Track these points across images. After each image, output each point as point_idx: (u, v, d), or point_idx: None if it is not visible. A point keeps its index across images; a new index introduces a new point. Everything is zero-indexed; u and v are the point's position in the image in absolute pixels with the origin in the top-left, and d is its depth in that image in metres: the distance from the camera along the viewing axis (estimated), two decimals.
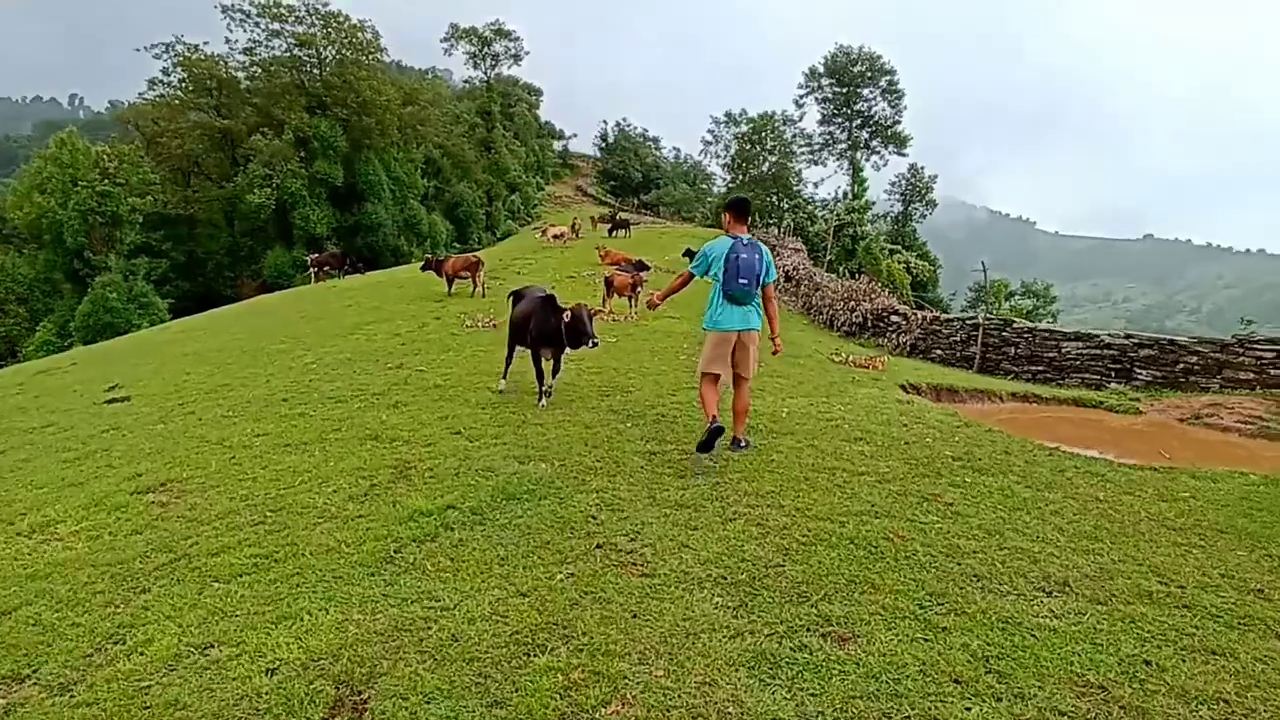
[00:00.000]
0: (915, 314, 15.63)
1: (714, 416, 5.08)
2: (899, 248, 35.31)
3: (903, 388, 9.02)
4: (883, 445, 5.50)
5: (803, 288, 21.84)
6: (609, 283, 14.88)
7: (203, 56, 44.20)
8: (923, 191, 43.12)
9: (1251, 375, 9.67)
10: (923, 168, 44.49)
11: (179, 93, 44.54)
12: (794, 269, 24.44)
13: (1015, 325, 13.14)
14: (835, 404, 7.20)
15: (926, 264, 35.42)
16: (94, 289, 31.32)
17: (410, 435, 5.85)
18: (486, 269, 17.91)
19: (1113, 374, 11.09)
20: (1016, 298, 49.92)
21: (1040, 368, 12.33)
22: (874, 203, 35.75)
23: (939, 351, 14.66)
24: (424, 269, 18.69)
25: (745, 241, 5.12)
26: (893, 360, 14.06)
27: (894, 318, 16.31)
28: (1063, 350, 12.04)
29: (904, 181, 43.72)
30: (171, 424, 6.91)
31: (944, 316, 14.85)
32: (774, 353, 5.68)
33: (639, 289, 14.87)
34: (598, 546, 3.68)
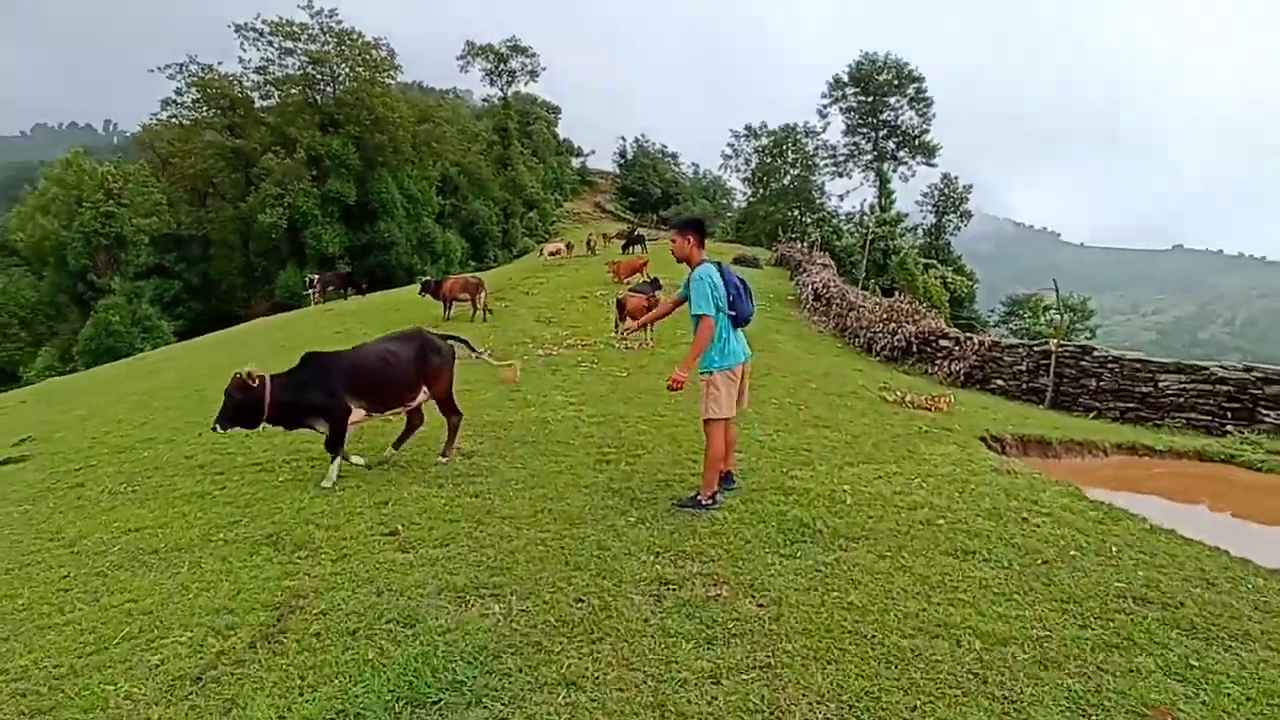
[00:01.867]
0: (969, 338, 13.74)
1: (728, 473, 4.96)
2: (934, 262, 33.26)
3: (984, 442, 7.18)
4: (1009, 565, 3.68)
5: (835, 307, 19.97)
6: (621, 305, 13.21)
7: (216, 76, 43.71)
8: (956, 202, 41.00)
9: None
10: (956, 177, 42.41)
11: (192, 113, 44.05)
12: (823, 286, 22.59)
13: (1096, 353, 11.21)
14: (911, 475, 5.40)
15: (964, 279, 33.31)
16: (97, 312, 30.45)
17: (325, 537, 4.17)
18: (489, 291, 16.31)
19: (1228, 415, 9.14)
20: (1051, 312, 47.58)
21: (1131, 405, 10.39)
22: (906, 214, 33.85)
23: (999, 382, 12.76)
24: (421, 292, 17.17)
25: (722, 265, 4.70)
26: (942, 390, 12.22)
27: (943, 342, 14.42)
28: (1159, 384, 10.10)
29: (936, 192, 41.68)
30: (42, 504, 5.32)
31: (1006, 342, 12.95)
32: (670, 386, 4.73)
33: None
34: None
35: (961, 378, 13.32)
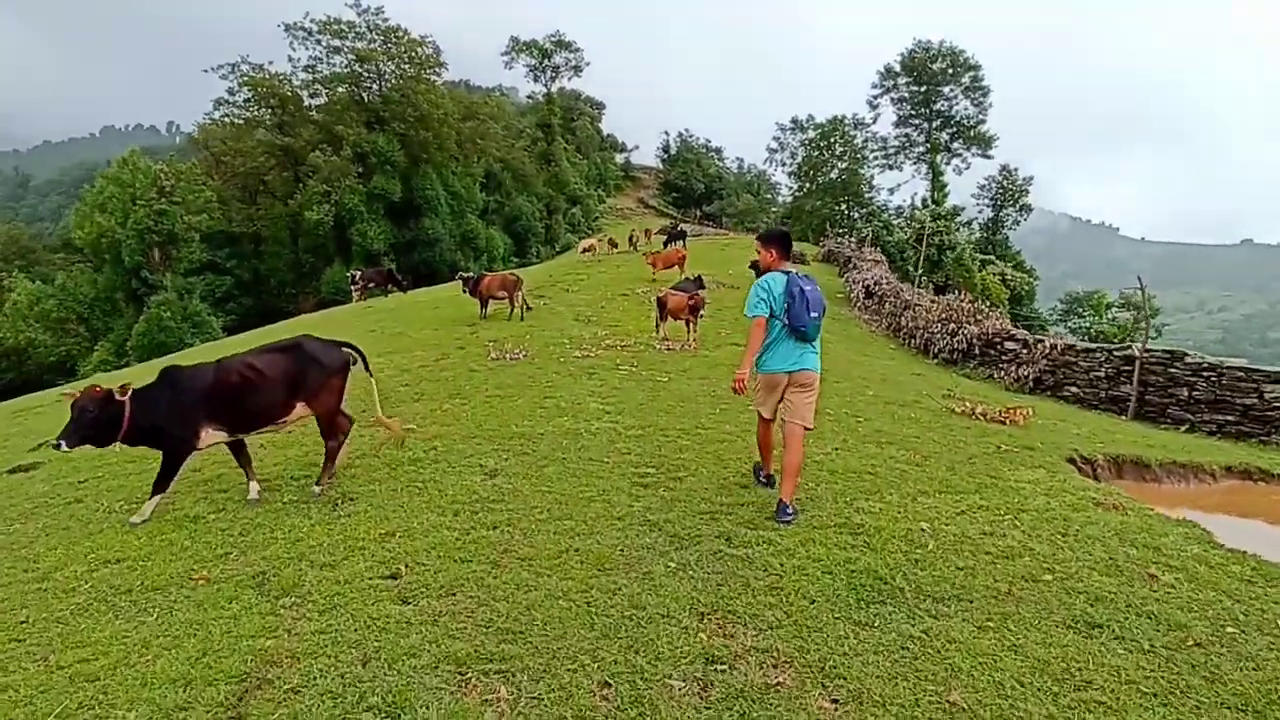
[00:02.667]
0: (1039, 340, 12.67)
1: (769, 475, 5.14)
2: (991, 258, 31.62)
3: (1073, 464, 6.31)
4: (1150, 648, 2.89)
5: (888, 305, 18.94)
6: (661, 304, 12.54)
7: (266, 75, 44.41)
8: (1016, 195, 38.98)
9: None
10: (1016, 169, 40.28)
11: (244, 111, 44.86)
12: (875, 284, 21.52)
13: (1189, 360, 10.10)
14: (999, 510, 4.61)
15: (1024, 276, 31.61)
16: (150, 308, 31.05)
17: (317, 579, 3.62)
18: (526, 288, 15.79)
19: None
20: (1114, 309, 45.23)
21: (1230, 418, 9.30)
22: (962, 208, 32.20)
23: (1073, 389, 11.69)
24: (465, 289, 16.59)
25: (800, 275, 4.62)
26: (1011, 398, 11.24)
27: (1009, 344, 13.36)
28: (1266, 396, 8.99)
29: (994, 185, 39.70)
30: (32, 523, 4.91)
31: (1080, 345, 11.86)
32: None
33: (700, 311, 12.49)
34: None
35: (1030, 383, 12.29)
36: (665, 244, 29.70)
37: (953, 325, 14.98)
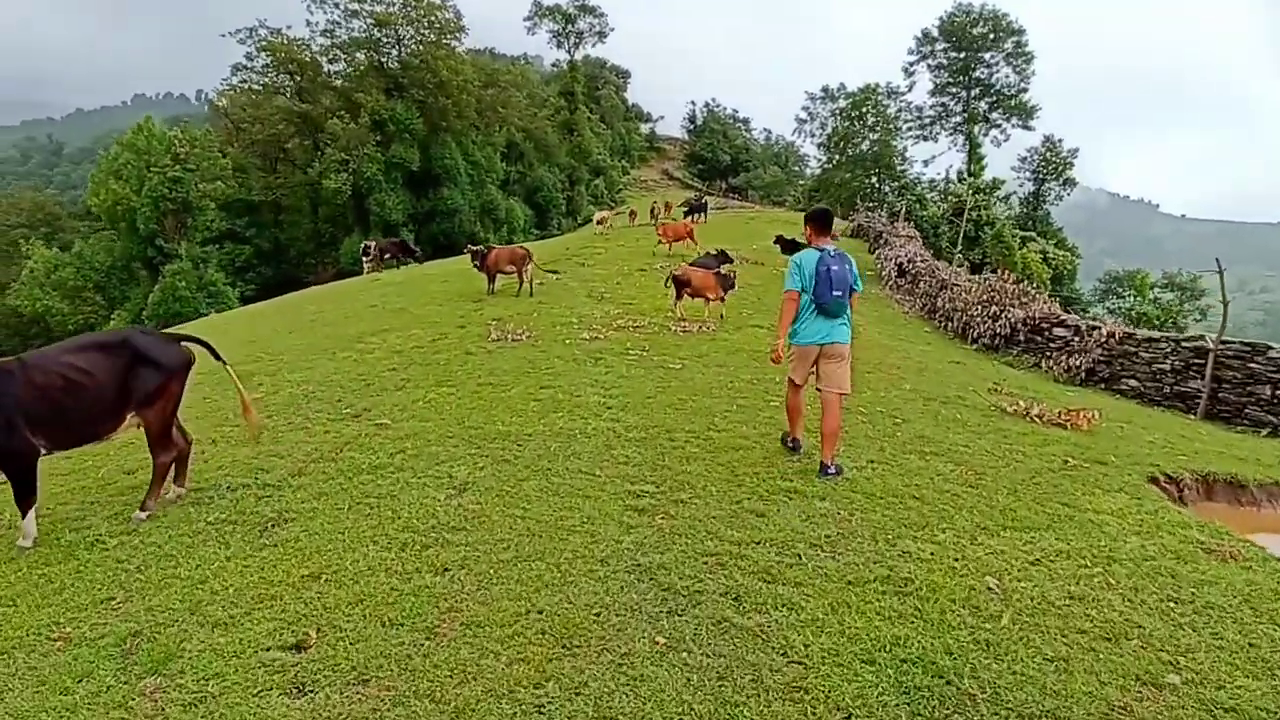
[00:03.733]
0: (1094, 326, 11.49)
1: (796, 439, 5.34)
2: (1032, 234, 29.91)
3: (1156, 483, 5.29)
4: None
5: (923, 285, 17.73)
6: (679, 282, 11.52)
7: (285, 40, 43.51)
8: (1059, 168, 36.86)
9: None
10: (1060, 140, 38.01)
11: (262, 77, 44.09)
12: (909, 261, 20.26)
13: (1273, 353, 8.92)
14: (1084, 558, 3.65)
15: (1066, 254, 29.90)
16: (165, 277, 30.69)
17: (198, 648, 2.79)
18: (540, 261, 14.85)
19: None
20: (1156, 290, 43.17)
21: None
22: (1002, 181, 30.35)
23: (1132, 382, 10.55)
24: (474, 264, 15.61)
25: (833, 253, 4.89)
26: (1061, 391, 10.15)
27: (1059, 331, 12.19)
28: None
29: (1036, 157, 37.57)
30: None
31: (1142, 334, 10.65)
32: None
33: (732, 289, 11.55)
34: None
35: (1082, 375, 11.15)
36: (685, 215, 28.67)
37: (995, 308, 13.81)
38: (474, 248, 16.47)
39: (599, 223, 27.82)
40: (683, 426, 5.94)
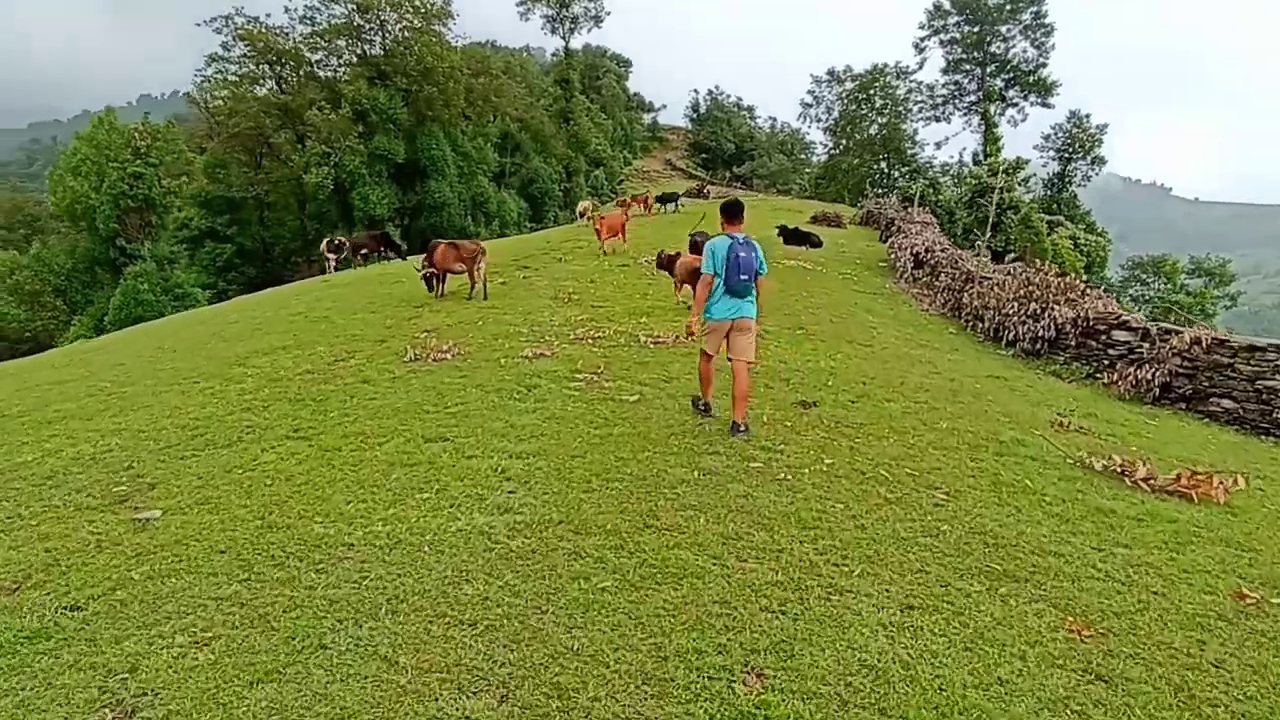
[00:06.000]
0: (1171, 331, 9.22)
1: (707, 403, 5.88)
2: (1060, 218, 27.39)
3: None
4: None
5: (944, 278, 15.45)
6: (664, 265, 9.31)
7: (261, 29, 41.39)
8: (1088, 146, 34.12)
9: None
10: (1087, 115, 35.16)
11: (239, 68, 41.98)
12: (927, 250, 17.96)
13: None
14: None
15: (1096, 239, 27.38)
16: (125, 280, 28.72)
17: None
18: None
19: None
20: (1182, 277, 40.55)
21: None
22: (1027, 161, 27.82)
23: (1226, 403, 8.29)
24: (420, 268, 13.31)
25: (742, 240, 5.43)
26: (1131, 413, 7.91)
27: (1120, 334, 9.93)
28: None
29: (1062, 134, 34.79)
30: None
31: (1239, 340, 8.36)
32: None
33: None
34: None
35: (1155, 390, 8.90)
36: (659, 201, 28.49)
37: (1035, 305, 11.56)
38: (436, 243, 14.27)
39: (581, 214, 26.82)
40: (604, 523, 3.78)
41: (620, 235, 17.27)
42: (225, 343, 9.76)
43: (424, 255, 13.11)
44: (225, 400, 6.56)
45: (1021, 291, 12.09)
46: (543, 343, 8.73)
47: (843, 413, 6.23)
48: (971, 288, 13.68)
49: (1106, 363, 9.94)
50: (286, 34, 42.28)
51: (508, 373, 7.31)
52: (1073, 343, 10.62)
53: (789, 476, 4.55)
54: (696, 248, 17.05)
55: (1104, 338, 10.18)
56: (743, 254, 5.32)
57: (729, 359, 5.54)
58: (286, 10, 44.07)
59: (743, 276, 5.33)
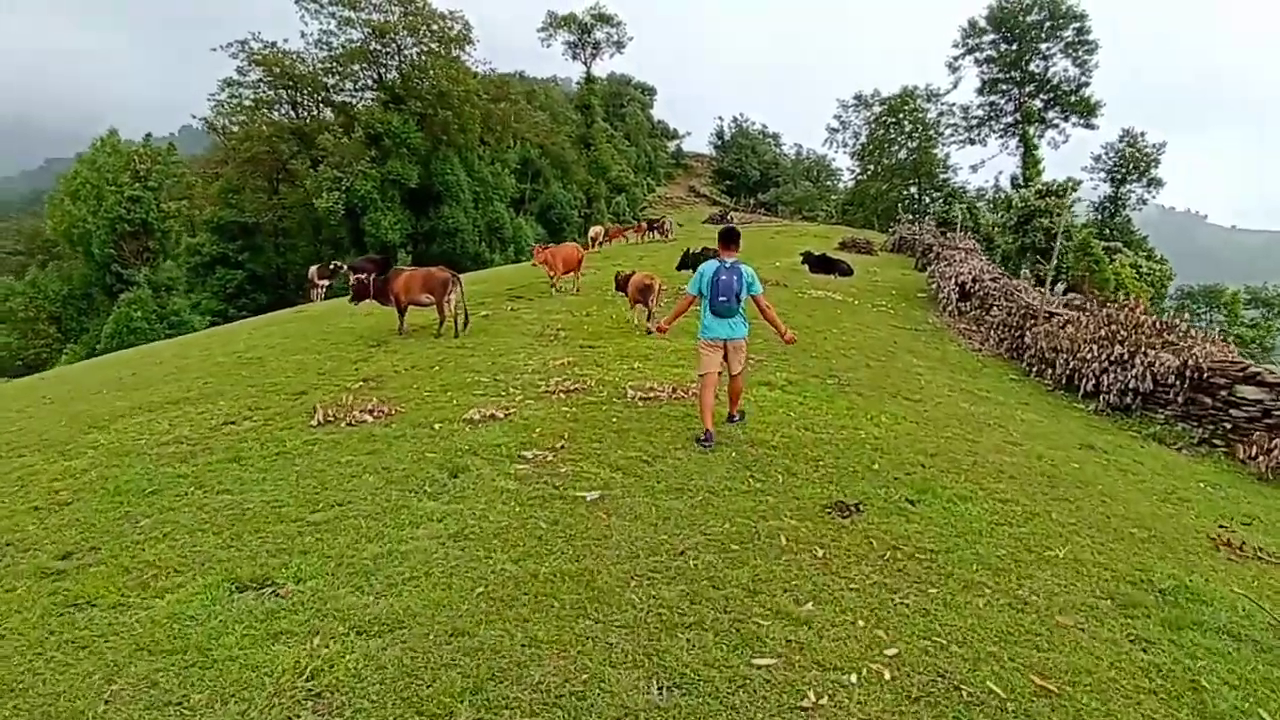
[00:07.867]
0: None
1: (709, 431, 5.63)
2: (1117, 244, 25.02)
3: None
4: None
5: (997, 314, 13.25)
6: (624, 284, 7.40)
7: (276, 53, 40.87)
8: (1143, 167, 31.58)
9: None
10: (1143, 134, 32.57)
11: (254, 92, 41.44)
12: (974, 280, 15.80)
13: None
14: None
15: (1157, 265, 24.95)
16: (119, 306, 27.57)
17: None
18: (463, 289, 10.78)
19: None
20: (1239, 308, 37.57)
21: None
22: (1078, 183, 25.50)
23: None
24: (353, 299, 11.47)
25: (727, 265, 5.67)
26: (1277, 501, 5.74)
27: (1248, 390, 7.72)
28: None
29: (1114, 154, 32.32)
30: None
31: None
32: (786, 340, 6.10)
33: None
34: None
35: None
36: (649, 228, 28.98)
37: (1121, 349, 9.36)
38: (358, 272, 12.54)
39: (593, 239, 25.87)
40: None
41: (575, 272, 14.98)
42: (119, 393, 7.96)
43: (381, 279, 11.34)
44: (23, 495, 4.69)
45: (1102, 331, 9.92)
46: (502, 397, 6.80)
47: (900, 525, 4.18)
48: (1035, 325, 11.50)
49: (1229, 426, 7.73)
50: (303, 59, 41.75)
51: (435, 446, 5.38)
52: (1179, 398, 8.41)
53: (824, 699, 2.51)
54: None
55: (1223, 394, 7.96)
56: (724, 277, 5.65)
57: (729, 374, 5.91)
58: (303, 35, 43.50)
59: (721, 298, 5.65)
